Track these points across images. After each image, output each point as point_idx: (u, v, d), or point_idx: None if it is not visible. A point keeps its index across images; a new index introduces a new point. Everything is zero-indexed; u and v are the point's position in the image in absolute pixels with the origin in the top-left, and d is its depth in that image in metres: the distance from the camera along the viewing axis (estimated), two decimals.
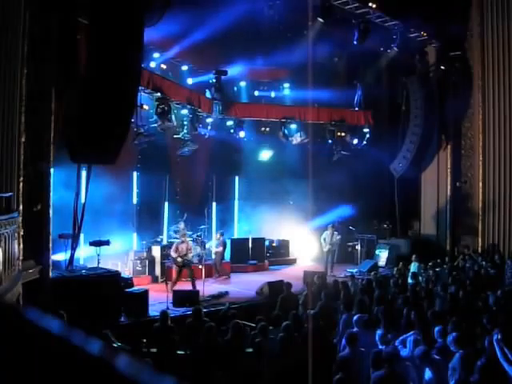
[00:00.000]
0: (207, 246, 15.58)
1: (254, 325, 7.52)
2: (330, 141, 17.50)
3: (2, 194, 6.78)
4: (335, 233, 15.78)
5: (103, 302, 9.00)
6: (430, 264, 12.87)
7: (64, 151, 8.91)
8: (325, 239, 15.64)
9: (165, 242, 14.96)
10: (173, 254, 12.41)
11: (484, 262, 13.24)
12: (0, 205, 6.78)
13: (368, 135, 17.94)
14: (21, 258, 7.50)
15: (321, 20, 13.19)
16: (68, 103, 8.95)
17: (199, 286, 11.86)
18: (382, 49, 16.45)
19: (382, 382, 5.18)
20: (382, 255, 16.74)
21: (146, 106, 13.20)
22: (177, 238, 14.64)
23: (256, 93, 18.00)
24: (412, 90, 17.42)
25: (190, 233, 14.50)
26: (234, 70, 15.73)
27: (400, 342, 6.29)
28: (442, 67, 17.03)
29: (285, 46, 14.85)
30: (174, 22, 11.52)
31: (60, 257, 10.60)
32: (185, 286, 12.21)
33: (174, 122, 13.95)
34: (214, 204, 17.20)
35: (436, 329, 6.44)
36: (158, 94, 13.18)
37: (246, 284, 13.47)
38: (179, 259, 12.22)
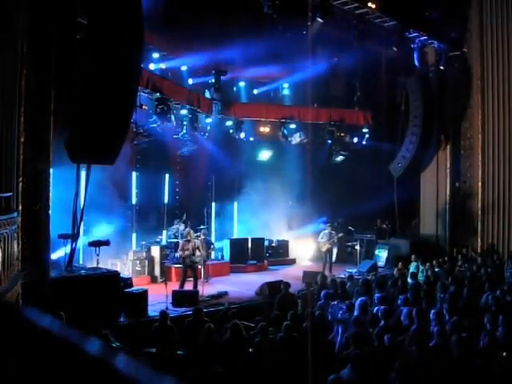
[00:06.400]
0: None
1: (253, 325, 7.53)
2: (329, 141, 17.51)
3: (1, 193, 6.77)
4: (333, 232, 15.74)
5: (102, 302, 9.00)
6: (429, 264, 12.87)
7: (64, 151, 8.92)
8: (322, 238, 15.61)
9: (164, 242, 14.96)
10: (180, 253, 12.25)
11: (483, 262, 13.24)
12: (0, 205, 6.78)
13: (367, 135, 17.96)
14: (20, 257, 7.50)
15: (320, 20, 13.19)
16: (68, 103, 8.95)
17: (199, 285, 11.87)
18: (381, 49, 16.47)
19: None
20: (382, 255, 16.73)
21: (145, 106, 13.21)
22: (175, 239, 14.64)
23: (255, 91, 17.99)
24: (411, 90, 17.41)
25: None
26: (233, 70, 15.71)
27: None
28: (442, 67, 17.04)
29: (284, 46, 14.84)
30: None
31: (59, 256, 10.60)
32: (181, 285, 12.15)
33: (173, 122, 13.96)
34: (214, 204, 17.19)
35: (435, 329, 6.44)
36: (158, 94, 13.18)
37: (245, 284, 13.44)
38: (187, 259, 12.02)
